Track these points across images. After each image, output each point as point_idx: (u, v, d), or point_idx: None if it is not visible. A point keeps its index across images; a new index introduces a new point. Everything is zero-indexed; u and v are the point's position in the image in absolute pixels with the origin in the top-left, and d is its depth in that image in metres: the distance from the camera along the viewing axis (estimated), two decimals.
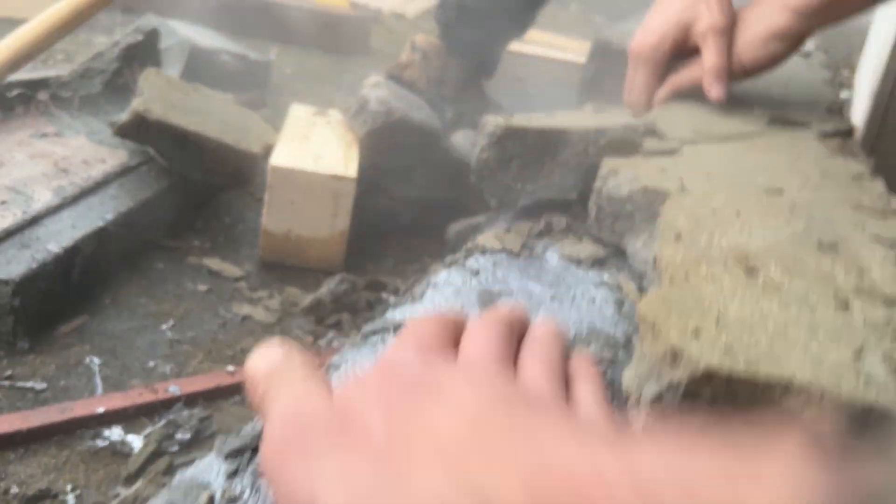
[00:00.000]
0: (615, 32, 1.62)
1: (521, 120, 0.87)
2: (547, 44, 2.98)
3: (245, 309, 1.02)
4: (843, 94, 2.20)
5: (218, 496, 0.37)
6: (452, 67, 1.47)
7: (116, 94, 1.31)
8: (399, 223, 1.29)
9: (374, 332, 0.57)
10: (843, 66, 2.45)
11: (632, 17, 1.91)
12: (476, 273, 0.70)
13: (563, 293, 0.68)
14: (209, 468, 0.40)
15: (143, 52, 1.38)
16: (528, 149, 0.85)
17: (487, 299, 0.65)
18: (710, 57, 0.90)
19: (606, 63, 1.53)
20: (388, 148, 1.24)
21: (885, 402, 0.41)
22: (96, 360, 0.88)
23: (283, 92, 1.91)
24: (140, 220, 1.08)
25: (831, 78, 1.34)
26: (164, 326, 0.96)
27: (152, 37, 1.41)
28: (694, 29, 0.92)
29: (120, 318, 0.96)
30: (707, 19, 0.91)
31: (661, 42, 0.94)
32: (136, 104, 1.11)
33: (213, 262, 1.10)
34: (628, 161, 0.77)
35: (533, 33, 3.12)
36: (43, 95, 1.24)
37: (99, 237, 0.99)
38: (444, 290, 0.66)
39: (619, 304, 0.68)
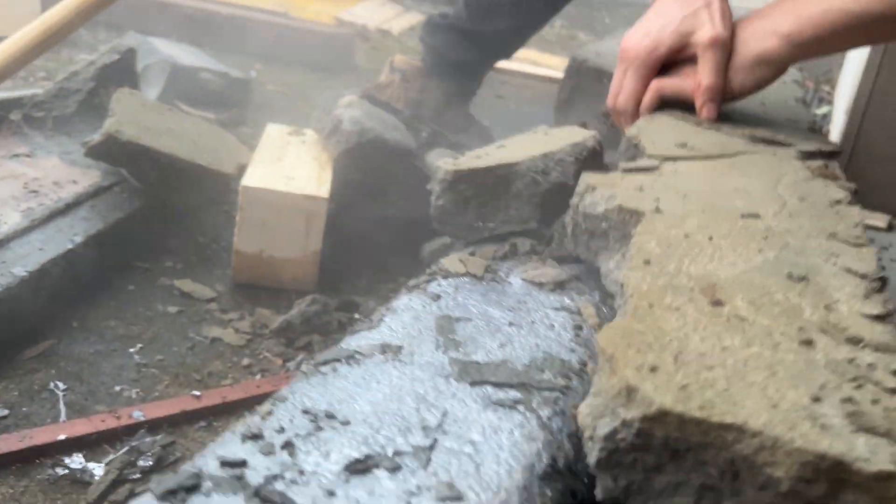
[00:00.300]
0: (590, 51, 1.62)
1: (470, 161, 0.87)
2: (530, 61, 2.99)
3: (215, 331, 1.01)
4: (823, 110, 2.22)
5: None
6: (432, 89, 1.47)
7: (91, 114, 1.30)
8: (373, 243, 1.28)
9: (327, 363, 0.57)
10: (823, 82, 2.47)
11: (609, 37, 1.92)
12: (437, 298, 0.70)
13: (522, 318, 0.68)
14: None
15: (120, 72, 1.37)
16: (480, 188, 0.85)
17: (446, 325, 0.65)
18: (708, 75, 0.88)
19: (582, 80, 1.54)
20: (362, 167, 1.24)
21: (836, 451, 0.40)
22: (61, 386, 0.87)
23: (264, 109, 1.91)
24: (111, 241, 1.08)
25: (803, 95, 1.34)
26: (131, 350, 0.95)
27: (129, 56, 1.41)
28: (694, 39, 0.90)
29: (87, 342, 0.95)
30: (710, 31, 0.88)
31: (656, 48, 0.92)
32: (108, 125, 1.11)
33: (185, 284, 1.10)
34: (606, 178, 0.76)
35: None
36: (16, 115, 1.23)
37: (67, 260, 0.98)
38: (403, 315, 0.66)
39: (578, 328, 0.68)
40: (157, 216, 1.19)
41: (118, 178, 1.17)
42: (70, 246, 0.99)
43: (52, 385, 0.87)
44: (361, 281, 1.21)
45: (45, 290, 0.95)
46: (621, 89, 0.96)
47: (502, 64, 2.89)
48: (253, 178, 1.09)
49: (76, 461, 0.77)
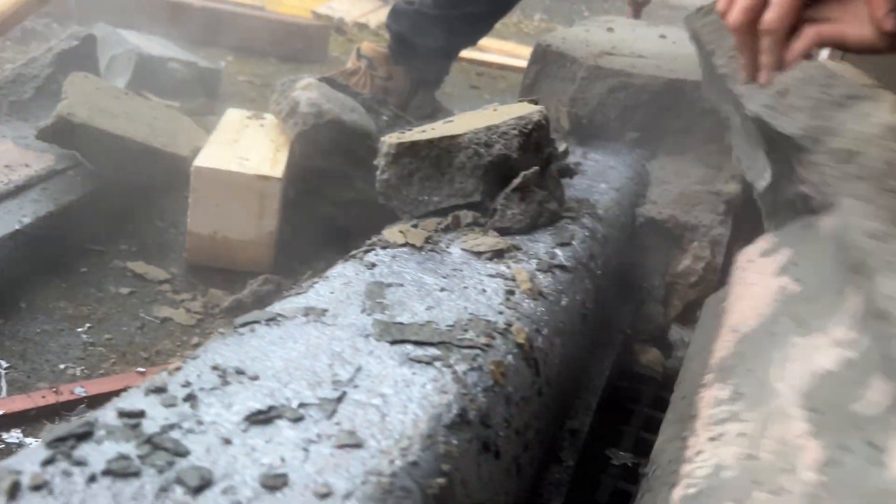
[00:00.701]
0: (556, 37, 1.62)
1: (414, 134, 0.87)
2: (507, 53, 2.99)
3: (166, 311, 1.00)
4: None
5: (26, 482, 0.37)
6: (398, 76, 1.47)
7: (49, 100, 1.29)
8: (335, 225, 1.28)
9: (246, 324, 0.56)
10: None
11: (577, 25, 1.91)
12: (372, 266, 0.70)
13: (455, 284, 0.67)
14: (31, 455, 0.39)
15: (79, 58, 1.37)
16: (424, 161, 0.85)
17: (376, 291, 0.64)
18: None
19: (546, 65, 1.54)
20: (320, 149, 1.24)
21: None
22: (3, 364, 0.86)
23: (234, 99, 1.90)
24: (63, 224, 1.07)
25: None
26: (79, 329, 0.95)
27: (88, 42, 1.40)
28: None
29: (35, 322, 0.95)
30: None
31: None
32: (60, 108, 1.10)
33: (138, 266, 1.09)
34: None
35: (493, 42, 3.13)
36: None
37: (14, 241, 0.98)
38: (334, 281, 0.66)
39: (510, 293, 0.67)
40: (115, 200, 1.18)
41: (73, 162, 1.16)
42: (18, 227, 0.99)
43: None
44: (321, 263, 1.21)
45: None
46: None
47: (479, 56, 2.90)
48: (205, 159, 1.09)
49: (13, 436, 0.76)
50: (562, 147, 1.13)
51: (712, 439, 0.58)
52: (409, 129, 0.96)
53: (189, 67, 1.87)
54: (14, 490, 0.36)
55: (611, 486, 0.81)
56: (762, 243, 0.92)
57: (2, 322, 0.93)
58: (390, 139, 0.87)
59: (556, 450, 0.75)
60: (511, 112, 0.92)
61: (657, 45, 1.66)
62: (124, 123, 1.14)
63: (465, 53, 2.88)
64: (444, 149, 0.85)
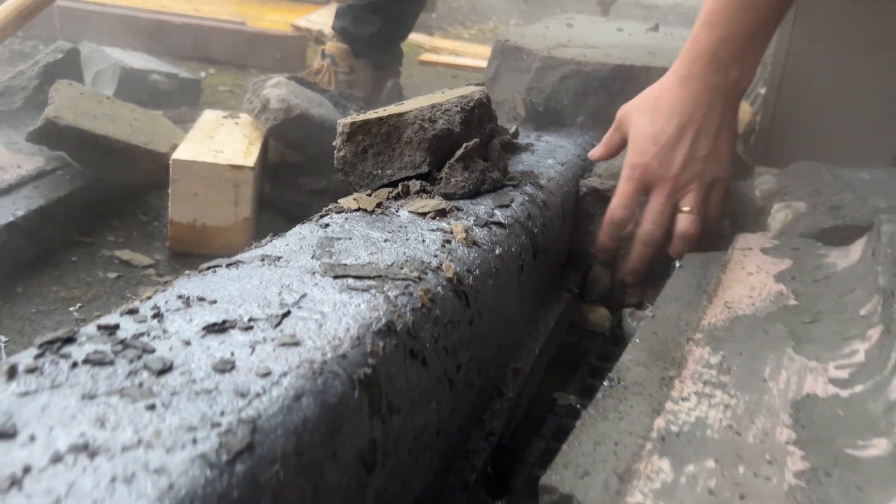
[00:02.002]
0: (516, 33, 1.72)
1: (367, 114, 0.96)
2: (482, 56, 3.09)
3: (150, 292, 1.09)
4: (761, 90, 2.32)
5: (21, 368, 0.45)
6: (359, 68, 1.57)
7: (37, 109, 1.39)
8: (308, 213, 1.37)
9: (210, 268, 0.65)
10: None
11: (538, 23, 2.01)
12: (325, 226, 0.79)
13: (398, 237, 0.76)
14: (25, 353, 0.48)
15: (64, 70, 1.46)
16: (375, 137, 0.94)
17: (326, 243, 0.73)
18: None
19: (505, 59, 1.64)
20: (291, 142, 1.33)
21: None
22: (3, 339, 0.95)
23: (215, 107, 1.98)
24: (54, 218, 1.16)
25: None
26: (71, 309, 1.03)
27: (72, 55, 1.49)
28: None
29: (30, 304, 1.04)
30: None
31: (686, 185, 1.03)
32: (47, 111, 1.19)
33: (124, 254, 1.18)
34: None
35: (468, 47, 3.24)
36: None
37: (9, 232, 1.07)
38: (290, 238, 0.75)
39: (447, 242, 0.76)
40: (102, 197, 1.27)
41: (61, 163, 1.25)
42: (11, 219, 1.08)
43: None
44: None
45: None
46: (653, 212, 1.01)
47: (455, 60, 3.00)
48: (182, 153, 1.18)
49: None
50: (512, 128, 1.22)
51: (698, 394, 0.66)
52: (355, 114, 1.05)
53: (171, 79, 1.97)
54: (12, 373, 0.44)
55: (556, 424, 0.90)
56: (762, 239, 1.01)
57: (1, 304, 1.02)
58: (345, 120, 0.96)
59: (501, 386, 0.84)
60: (455, 93, 1.02)
61: (612, 37, 1.76)
62: (107, 124, 1.23)
63: (442, 58, 2.99)
64: (392, 125, 0.94)
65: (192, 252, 1.20)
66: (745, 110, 1.62)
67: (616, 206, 1.03)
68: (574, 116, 1.43)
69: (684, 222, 1.02)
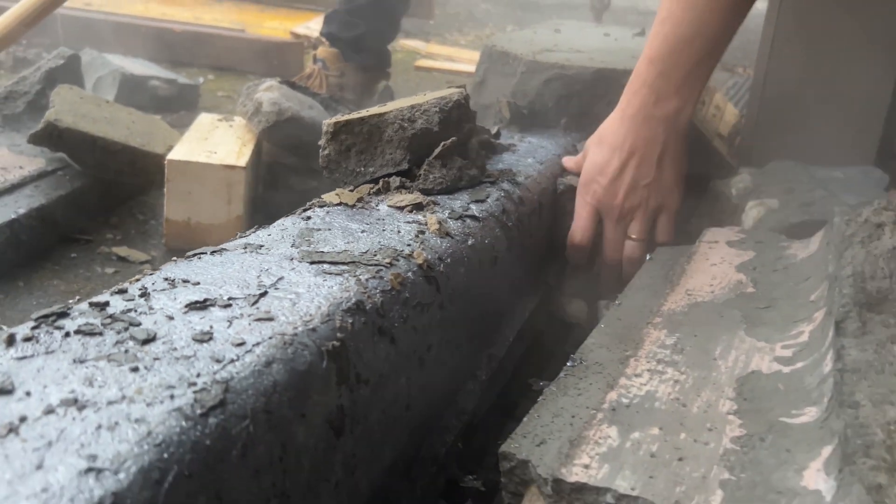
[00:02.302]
0: (503, 38, 1.78)
1: (351, 115, 1.01)
2: (475, 61, 3.15)
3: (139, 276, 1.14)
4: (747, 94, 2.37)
5: (19, 337, 0.50)
6: (349, 72, 1.63)
7: (39, 113, 1.44)
8: None
9: (196, 254, 0.70)
10: (742, 66, 2.63)
11: (528, 29, 2.07)
12: (307, 219, 0.84)
13: (375, 228, 0.81)
14: (23, 325, 0.53)
15: (65, 75, 1.52)
16: (358, 136, 0.99)
17: (306, 233, 0.78)
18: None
19: (492, 63, 1.69)
20: (283, 143, 1.38)
21: None
22: (4, 328, 1.00)
23: (212, 112, 2.04)
24: (55, 216, 1.21)
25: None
26: (70, 301, 1.08)
27: (73, 61, 1.55)
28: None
29: (31, 297, 1.09)
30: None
31: (632, 209, 1.10)
32: (48, 114, 1.25)
33: (122, 250, 1.23)
34: None
35: (463, 53, 3.29)
36: None
37: (11, 229, 1.12)
38: (273, 229, 0.80)
39: (421, 233, 0.81)
40: (100, 196, 1.32)
41: (62, 164, 1.30)
42: (14, 216, 1.13)
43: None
44: None
45: None
46: (608, 240, 1.10)
47: (450, 66, 3.06)
48: (177, 153, 1.23)
49: None
50: (494, 129, 1.27)
51: (650, 371, 0.71)
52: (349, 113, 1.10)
53: (170, 84, 2.03)
54: (10, 341, 0.49)
55: (529, 407, 0.94)
56: (729, 233, 1.06)
57: (3, 297, 1.07)
58: (329, 120, 1.01)
59: (475, 370, 0.88)
60: (436, 95, 1.07)
61: (597, 42, 1.81)
62: (105, 127, 1.29)
63: (437, 64, 3.05)
64: (374, 125, 0.99)
65: (186, 248, 1.24)
66: (731, 113, 1.67)
67: (575, 230, 1.12)
68: (558, 118, 1.48)
69: (629, 248, 1.11)
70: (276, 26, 3.23)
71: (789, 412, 0.62)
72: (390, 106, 1.05)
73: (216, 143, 1.31)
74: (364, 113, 1.01)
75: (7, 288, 1.09)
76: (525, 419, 0.67)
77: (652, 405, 0.65)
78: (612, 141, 1.08)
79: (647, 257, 1.04)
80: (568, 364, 0.75)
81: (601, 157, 1.09)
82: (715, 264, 0.95)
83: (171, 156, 1.22)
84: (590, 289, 1.21)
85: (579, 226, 1.12)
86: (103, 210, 1.32)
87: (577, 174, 1.17)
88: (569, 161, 1.20)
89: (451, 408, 0.80)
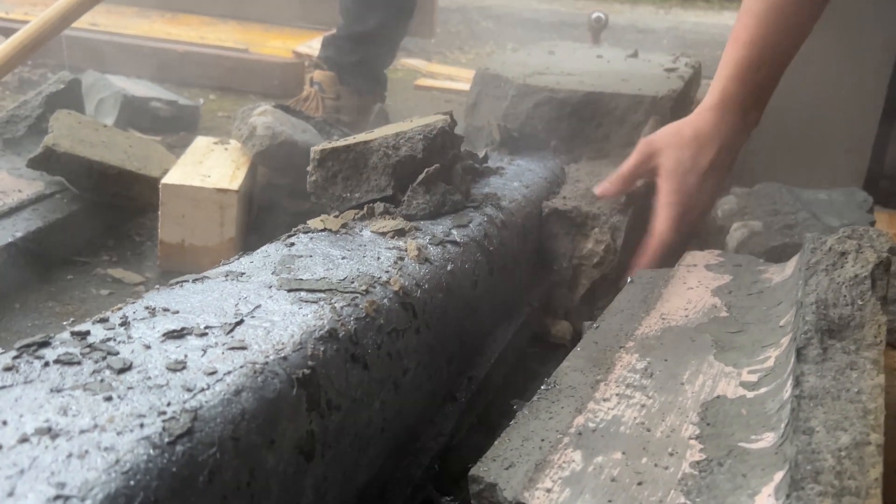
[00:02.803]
0: (496, 61, 1.81)
1: (337, 142, 1.04)
2: (468, 79, 3.19)
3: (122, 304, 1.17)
4: None
5: (0, 367, 0.53)
6: (345, 95, 1.66)
7: (39, 137, 1.47)
8: None
9: (178, 282, 0.73)
10: None
11: (522, 51, 2.09)
12: (291, 245, 0.86)
13: (356, 254, 0.84)
14: (5, 355, 0.55)
15: (66, 100, 1.55)
16: (344, 163, 1.02)
17: (287, 260, 0.81)
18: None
19: (485, 86, 1.72)
20: (277, 167, 1.41)
21: None
22: (1, 350, 1.03)
23: (212, 132, 2.08)
24: (51, 238, 1.24)
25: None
26: (65, 322, 1.11)
27: (74, 85, 1.58)
28: None
29: (26, 318, 1.11)
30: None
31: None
32: (47, 139, 1.28)
33: (117, 272, 1.26)
34: None
35: (462, 72, 3.33)
36: None
37: (8, 252, 1.15)
38: (256, 255, 0.82)
39: (400, 259, 0.84)
40: (97, 219, 1.35)
41: (60, 188, 1.33)
42: (11, 240, 1.16)
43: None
44: None
45: None
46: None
47: (450, 84, 3.09)
48: (172, 177, 1.26)
49: None
50: (482, 153, 1.30)
51: (619, 395, 0.73)
52: (337, 139, 1.13)
53: (171, 105, 2.06)
54: None
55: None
56: (709, 256, 1.08)
57: None
58: (316, 147, 1.04)
59: (454, 392, 0.90)
60: (421, 122, 1.09)
61: (589, 64, 1.84)
62: (102, 151, 1.32)
63: (437, 83, 3.08)
64: (359, 152, 1.02)
65: (180, 270, 1.27)
66: None
67: (667, 230, 1.17)
68: (548, 141, 1.50)
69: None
70: (279, 45, 3.27)
71: (749, 437, 0.64)
72: (376, 133, 1.08)
73: (210, 166, 1.33)
74: (350, 140, 1.04)
75: (3, 310, 1.12)
76: (496, 442, 0.69)
77: (617, 429, 0.67)
78: (705, 143, 1.17)
79: (628, 280, 1.06)
80: (542, 387, 0.77)
81: (692, 160, 1.17)
82: (691, 288, 0.97)
83: (166, 179, 1.25)
84: (576, 309, 1.23)
85: (672, 225, 1.16)
86: (100, 232, 1.35)
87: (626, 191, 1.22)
88: (612, 186, 1.22)
89: (428, 430, 0.82)
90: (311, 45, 3.47)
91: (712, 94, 1.18)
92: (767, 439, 0.63)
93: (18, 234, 1.17)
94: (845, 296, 0.72)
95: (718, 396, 0.72)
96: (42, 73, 2.44)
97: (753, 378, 0.74)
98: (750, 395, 0.71)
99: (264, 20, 3.64)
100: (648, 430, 0.67)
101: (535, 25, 4.32)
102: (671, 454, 0.63)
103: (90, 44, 2.55)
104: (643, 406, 0.71)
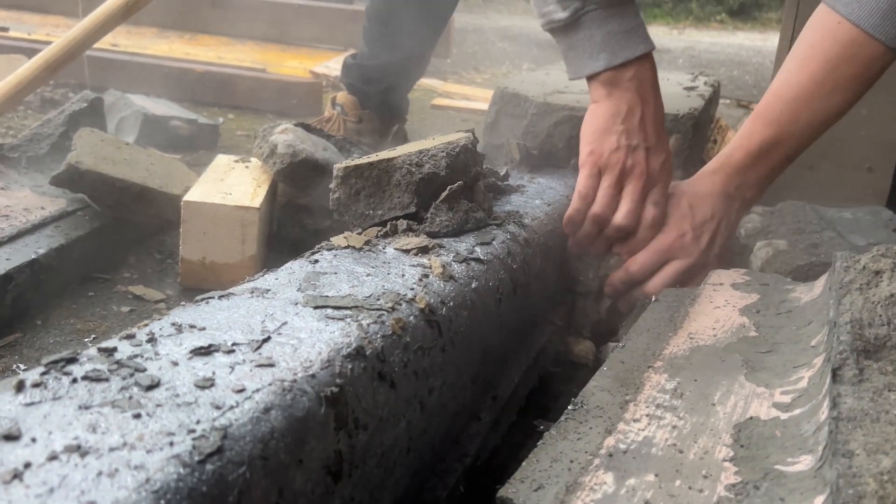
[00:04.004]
0: (514, 80, 1.81)
1: (359, 160, 1.04)
2: (485, 98, 3.19)
3: (148, 321, 1.17)
4: None
5: (28, 383, 0.52)
6: (366, 118, 1.66)
7: (62, 154, 1.48)
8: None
9: (204, 299, 0.72)
10: (756, 103, 2.64)
11: (540, 70, 2.10)
12: (315, 262, 0.86)
13: (380, 271, 0.83)
14: (33, 370, 0.55)
15: (88, 118, 1.56)
16: (367, 180, 1.02)
17: (312, 277, 0.80)
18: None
19: (504, 105, 1.72)
20: (298, 184, 1.41)
21: None
22: (22, 367, 1.03)
23: (231, 151, 2.09)
24: (74, 255, 1.24)
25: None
26: (86, 339, 1.11)
27: (96, 104, 1.59)
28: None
29: (49, 335, 1.11)
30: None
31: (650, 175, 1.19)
32: (70, 157, 1.29)
33: (138, 289, 1.26)
34: None
35: (479, 91, 3.33)
36: None
37: (31, 269, 1.15)
38: (281, 272, 0.81)
39: (425, 276, 0.83)
40: (119, 236, 1.35)
41: (82, 205, 1.34)
42: (34, 256, 1.16)
43: (14, 367, 1.03)
44: None
45: (11, 294, 1.11)
46: (610, 202, 1.15)
47: (466, 104, 3.10)
48: (193, 195, 1.26)
49: None
50: (503, 171, 1.29)
51: (649, 416, 0.72)
52: (359, 157, 1.13)
53: (190, 124, 2.08)
54: (20, 387, 0.51)
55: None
56: (734, 275, 1.07)
57: (21, 335, 1.10)
58: (339, 164, 1.03)
59: (478, 411, 0.89)
60: (444, 139, 1.09)
61: None
62: (124, 169, 1.32)
63: (454, 102, 3.09)
64: (382, 169, 1.02)
65: (201, 287, 1.27)
66: None
67: (663, 282, 1.16)
68: (568, 159, 1.50)
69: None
70: (296, 66, 3.30)
71: (785, 460, 0.63)
72: (399, 150, 1.07)
73: (231, 184, 1.34)
74: (373, 157, 1.04)
75: (26, 326, 1.12)
76: (524, 463, 0.68)
77: (649, 451, 0.66)
78: (704, 214, 1.17)
79: (653, 299, 1.05)
80: (569, 407, 0.76)
81: (700, 212, 1.17)
82: (719, 307, 0.96)
83: (188, 197, 1.25)
84: (598, 328, 1.22)
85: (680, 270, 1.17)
86: (122, 249, 1.36)
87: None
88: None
89: (453, 450, 0.81)
90: (328, 66, 3.50)
91: (718, 159, 1.19)
92: (805, 462, 0.61)
93: (41, 251, 1.18)
94: (881, 315, 0.71)
95: (751, 418, 0.70)
96: (64, 92, 2.46)
97: (787, 399, 0.72)
98: (784, 416, 0.69)
99: (281, 41, 3.67)
100: (681, 452, 0.66)
101: (551, 45, 4.33)
102: (705, 477, 0.62)
103: (111, 64, 2.58)
104: (674, 427, 0.69)
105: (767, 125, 1.14)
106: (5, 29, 2.96)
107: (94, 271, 1.29)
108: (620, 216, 1.14)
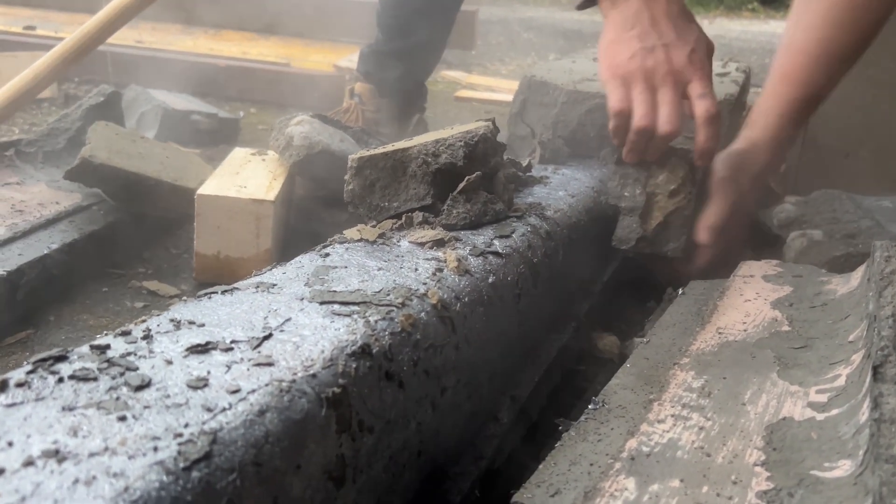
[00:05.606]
0: (542, 68, 1.76)
1: (375, 150, 1.00)
2: (509, 90, 3.15)
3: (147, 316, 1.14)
4: None
5: (12, 382, 0.50)
6: (384, 107, 1.63)
7: (78, 149, 1.46)
8: None
9: (206, 294, 0.69)
10: None
11: (566, 58, 2.05)
12: (326, 256, 0.83)
13: (392, 265, 0.80)
14: (19, 369, 0.52)
15: (105, 112, 1.54)
16: (382, 171, 0.98)
17: (321, 271, 0.77)
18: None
19: (531, 94, 1.67)
20: (315, 176, 1.38)
21: None
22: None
23: (252, 145, 2.05)
24: (87, 250, 1.23)
25: None
26: (98, 336, 1.09)
27: (114, 98, 1.58)
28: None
29: (61, 331, 1.09)
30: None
31: (681, 70, 1.14)
32: (84, 150, 1.27)
33: (152, 284, 1.24)
34: None
35: (502, 83, 3.29)
36: (9, 152, 1.40)
37: (43, 264, 1.13)
38: (289, 266, 0.78)
39: (439, 271, 0.79)
40: (133, 231, 1.33)
41: (97, 199, 1.32)
42: (46, 252, 1.14)
43: (25, 363, 1.01)
44: None
45: (24, 289, 1.09)
46: (648, 110, 1.08)
47: (490, 96, 3.06)
48: (207, 188, 1.23)
49: None
50: (525, 162, 1.25)
51: (675, 416, 0.68)
52: (375, 148, 1.09)
53: (210, 118, 2.06)
54: (3, 386, 0.49)
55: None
56: (766, 267, 1.02)
57: (34, 331, 1.08)
58: (353, 155, 1.00)
59: (496, 412, 0.86)
60: (462, 129, 1.05)
61: None
62: (139, 162, 1.30)
63: (478, 94, 3.05)
64: (397, 160, 0.98)
65: (216, 282, 1.23)
66: None
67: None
68: (600, 148, 1.45)
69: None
70: (320, 60, 3.27)
71: (822, 465, 0.58)
72: (415, 140, 1.04)
73: (247, 177, 1.31)
74: (388, 148, 1.00)
75: (38, 321, 1.10)
76: (541, 466, 0.64)
77: (674, 454, 0.62)
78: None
79: (679, 291, 1.00)
80: (590, 406, 0.72)
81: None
82: (749, 300, 0.91)
83: (202, 190, 1.23)
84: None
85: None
86: (136, 244, 1.34)
87: None
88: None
89: (468, 453, 0.78)
90: (352, 59, 3.45)
91: (758, 127, 1.18)
92: (844, 467, 0.57)
93: (54, 246, 1.16)
94: None
95: (784, 418, 0.66)
96: (87, 89, 2.46)
97: (823, 398, 0.68)
98: (820, 417, 0.65)
99: (306, 35, 3.65)
100: (708, 456, 0.61)
101: (577, 36, 4.27)
102: (735, 482, 0.58)
103: (134, 60, 2.57)
104: (702, 428, 0.65)
105: (800, 86, 1.15)
106: (32, 27, 2.97)
107: (108, 266, 1.27)
108: (662, 123, 1.07)
